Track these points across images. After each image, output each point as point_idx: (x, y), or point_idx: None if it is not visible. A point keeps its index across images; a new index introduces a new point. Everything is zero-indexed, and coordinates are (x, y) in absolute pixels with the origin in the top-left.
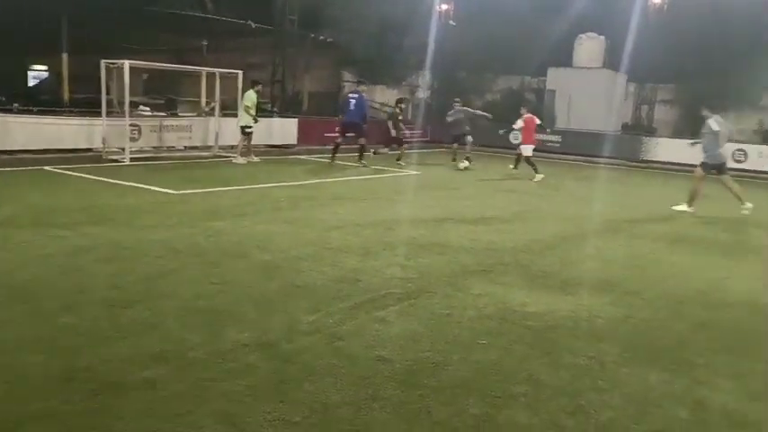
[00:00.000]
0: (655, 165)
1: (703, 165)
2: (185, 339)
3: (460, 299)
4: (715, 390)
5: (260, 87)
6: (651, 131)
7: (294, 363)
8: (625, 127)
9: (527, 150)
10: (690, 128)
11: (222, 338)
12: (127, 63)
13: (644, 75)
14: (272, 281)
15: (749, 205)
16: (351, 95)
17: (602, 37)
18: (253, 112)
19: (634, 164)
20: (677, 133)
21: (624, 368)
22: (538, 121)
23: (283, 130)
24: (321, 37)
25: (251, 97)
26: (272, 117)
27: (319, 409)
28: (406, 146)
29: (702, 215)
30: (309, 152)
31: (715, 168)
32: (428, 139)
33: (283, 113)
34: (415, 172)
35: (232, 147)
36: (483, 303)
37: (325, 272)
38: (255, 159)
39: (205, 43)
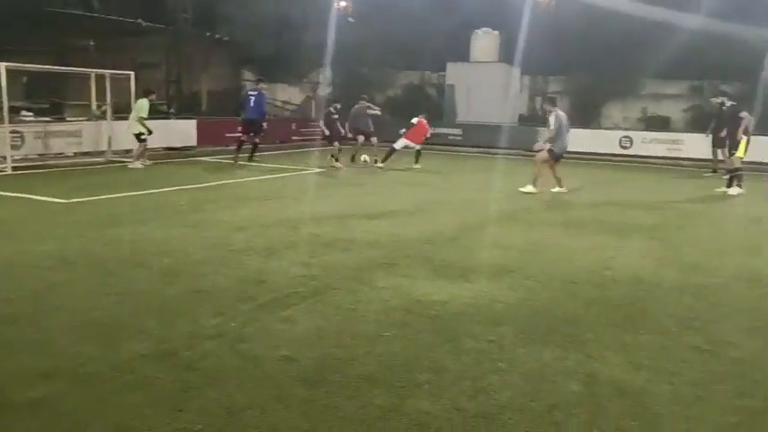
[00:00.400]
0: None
1: (551, 152)
2: (78, 354)
3: (365, 293)
4: (604, 363)
5: (153, 96)
6: (545, 122)
7: (196, 369)
8: (521, 118)
9: (400, 144)
10: (580, 117)
11: (119, 350)
12: (3, 65)
13: (536, 68)
14: (172, 287)
15: (562, 189)
16: (250, 93)
17: (497, 32)
18: (146, 121)
19: (531, 153)
20: (569, 123)
21: (521, 348)
22: (428, 134)
23: (182, 131)
24: (217, 35)
25: (144, 107)
26: (169, 119)
27: (223, 415)
28: (337, 144)
29: (591, 199)
30: (210, 153)
31: (559, 157)
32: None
33: (181, 114)
34: (318, 169)
35: (127, 151)
36: (388, 296)
37: (228, 274)
38: (148, 163)
39: (92, 43)
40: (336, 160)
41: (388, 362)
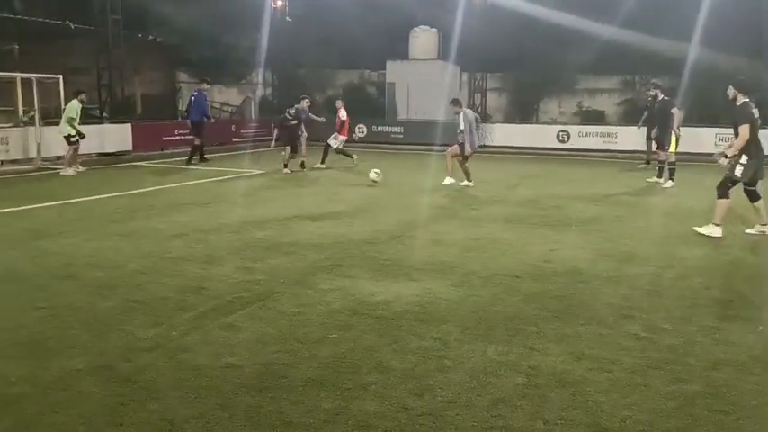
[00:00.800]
0: (491, 149)
1: (462, 147)
2: (6, 374)
3: (310, 296)
4: (546, 354)
5: (83, 96)
6: (485, 118)
7: (134, 382)
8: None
9: (335, 141)
10: (519, 113)
11: (50, 368)
12: None
13: (475, 65)
14: (106, 300)
15: (469, 183)
16: (192, 94)
17: (435, 30)
18: (77, 123)
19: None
20: (509, 118)
21: (466, 345)
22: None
23: (116, 136)
24: (150, 37)
25: (74, 107)
26: (102, 123)
27: (165, 428)
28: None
29: (531, 194)
30: (147, 158)
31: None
32: (272, 136)
33: (115, 119)
34: (259, 171)
35: (58, 158)
36: (332, 298)
37: (167, 283)
38: (81, 169)
39: (17, 47)
40: (285, 165)
41: (334, 364)
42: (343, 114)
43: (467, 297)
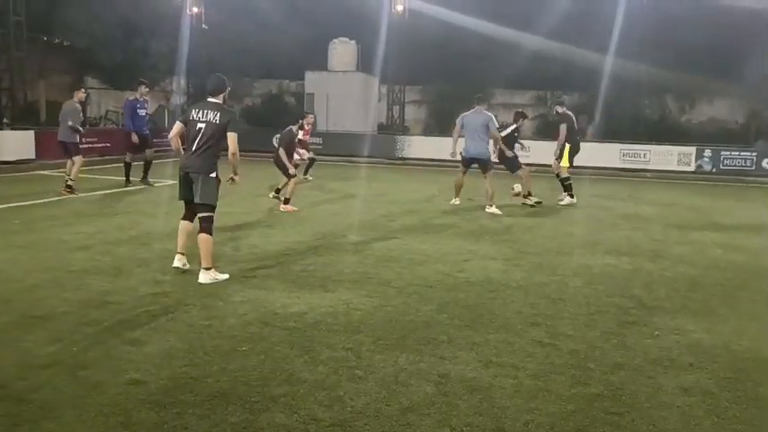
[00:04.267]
0: (410, 161)
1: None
2: None
3: (221, 308)
4: (456, 362)
5: None
6: (404, 130)
7: (29, 401)
8: (380, 127)
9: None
10: (438, 125)
11: None
12: None
13: (394, 77)
14: (1, 315)
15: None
16: (138, 101)
17: (354, 41)
18: None
19: (390, 161)
20: (428, 131)
21: (378, 355)
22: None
23: (17, 143)
24: (56, 40)
25: None
26: (2, 129)
27: None
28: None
29: (447, 205)
30: (52, 167)
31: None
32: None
33: (16, 125)
34: (171, 181)
35: None
36: (244, 310)
37: (68, 298)
38: None
39: None
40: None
41: (244, 377)
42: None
43: (380, 307)
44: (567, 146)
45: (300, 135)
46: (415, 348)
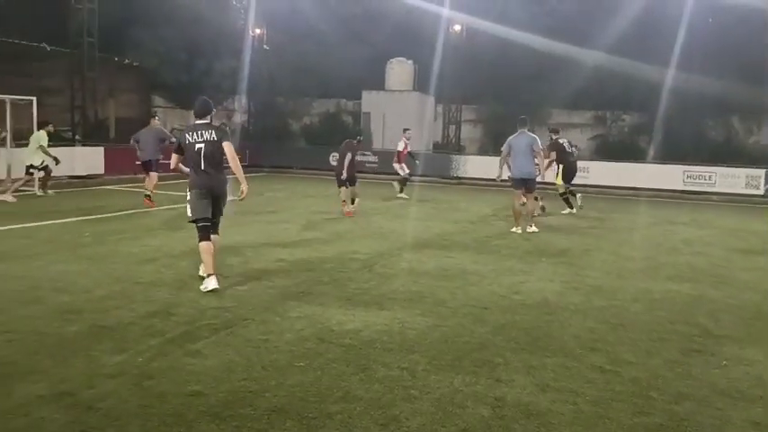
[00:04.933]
0: (465, 180)
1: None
2: None
3: (278, 323)
4: (512, 386)
5: (51, 128)
6: (460, 149)
7: (96, 410)
8: (436, 146)
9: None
10: (493, 145)
11: (12, 393)
12: None
13: (450, 96)
14: (71, 325)
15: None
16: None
17: (411, 61)
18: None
19: (446, 180)
20: (483, 150)
21: (433, 375)
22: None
23: (88, 159)
24: (126, 60)
25: (43, 136)
26: (74, 146)
27: None
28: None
29: (503, 225)
30: (119, 182)
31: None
32: (246, 163)
33: (87, 142)
34: (231, 197)
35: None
36: (301, 326)
37: (135, 309)
38: (50, 193)
39: None
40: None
41: (301, 393)
42: (401, 145)
43: (435, 327)
44: (561, 166)
45: (400, 147)
46: (470, 370)
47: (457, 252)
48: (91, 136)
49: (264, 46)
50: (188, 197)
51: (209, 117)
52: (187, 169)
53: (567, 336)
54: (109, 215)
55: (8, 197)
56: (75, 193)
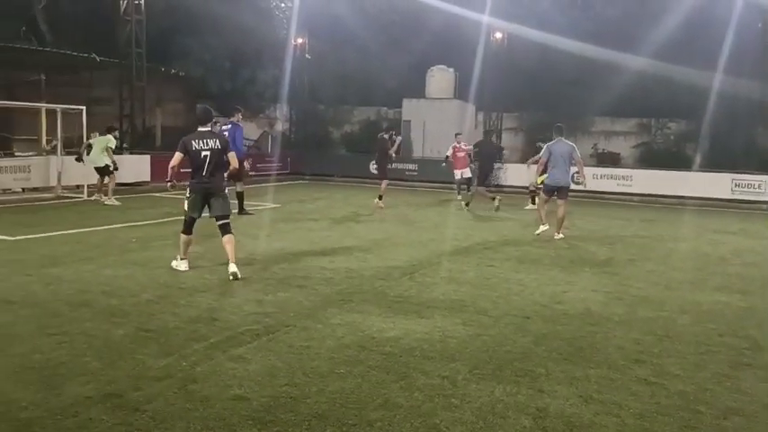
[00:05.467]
0: (505, 189)
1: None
2: (18, 399)
3: (319, 330)
4: (554, 397)
5: (117, 133)
6: (501, 158)
7: (143, 412)
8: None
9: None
10: (534, 153)
11: (62, 394)
12: None
13: (490, 104)
14: (118, 327)
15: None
16: (222, 128)
17: (452, 69)
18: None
19: (486, 189)
20: (524, 159)
21: (474, 384)
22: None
23: (135, 167)
24: (173, 70)
25: (111, 141)
26: (122, 154)
27: None
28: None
29: (545, 234)
30: (164, 189)
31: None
32: (288, 171)
33: (135, 149)
34: (273, 205)
35: (78, 186)
36: (342, 333)
37: (179, 313)
38: (103, 198)
39: (43, 77)
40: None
41: (341, 399)
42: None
43: (476, 336)
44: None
45: (448, 153)
46: (511, 380)
47: (498, 261)
48: (138, 144)
49: (306, 55)
50: (187, 195)
51: (209, 125)
52: (176, 170)
53: (610, 347)
54: (154, 221)
55: (113, 200)
56: (123, 199)
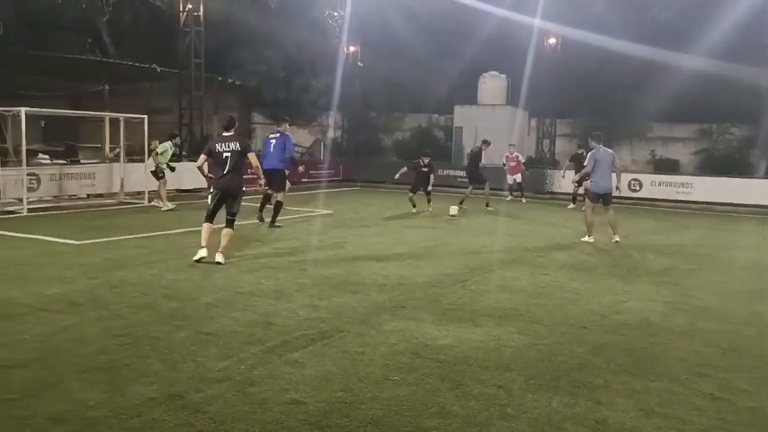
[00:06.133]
0: (559, 196)
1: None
2: (85, 398)
3: (373, 336)
4: (614, 409)
5: (178, 140)
6: (554, 164)
7: (203, 413)
8: (529, 160)
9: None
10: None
11: (126, 394)
12: (23, 110)
13: (544, 110)
14: (179, 330)
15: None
16: (270, 136)
17: (504, 75)
18: (163, 159)
19: (539, 196)
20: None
21: (530, 394)
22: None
23: (193, 174)
24: (229, 80)
25: (164, 146)
26: (180, 161)
27: None
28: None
29: (601, 242)
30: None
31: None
32: (340, 177)
33: (193, 157)
34: (326, 211)
35: (139, 193)
36: (395, 340)
37: (237, 317)
38: (160, 204)
39: (107, 88)
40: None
41: (396, 406)
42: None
43: (531, 345)
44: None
45: (504, 161)
46: (569, 391)
47: (553, 269)
48: (196, 152)
49: (358, 63)
50: (210, 191)
51: (232, 130)
52: (204, 171)
53: (671, 359)
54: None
55: (168, 204)
56: (183, 205)
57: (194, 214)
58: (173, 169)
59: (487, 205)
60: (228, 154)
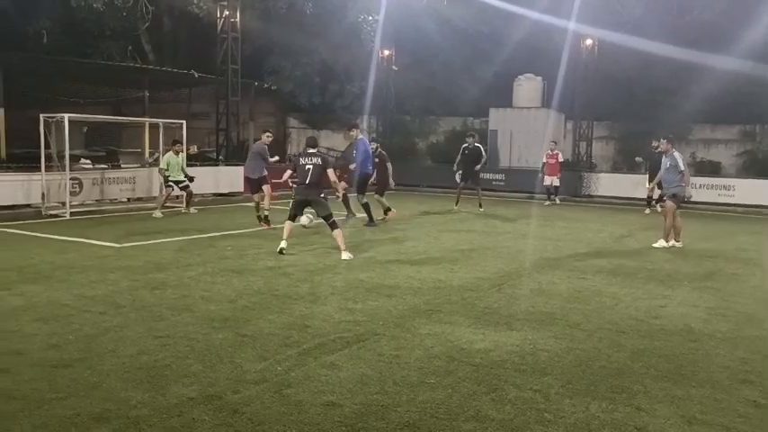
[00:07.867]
0: (596, 199)
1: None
2: (128, 397)
3: (408, 340)
4: (654, 416)
5: (179, 147)
6: (591, 167)
7: (241, 414)
8: (565, 163)
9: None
10: (627, 162)
11: (166, 394)
12: (66, 117)
13: (580, 113)
14: (218, 332)
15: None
16: (361, 140)
17: (540, 78)
18: (169, 172)
19: (576, 199)
20: (616, 168)
21: (567, 399)
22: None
23: (229, 178)
24: (265, 85)
25: (165, 159)
26: (217, 165)
27: None
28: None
29: (641, 246)
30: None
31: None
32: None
33: (229, 161)
34: (359, 215)
35: (177, 197)
36: (431, 343)
37: (273, 320)
38: (194, 211)
39: (147, 94)
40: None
41: (431, 410)
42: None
43: (569, 350)
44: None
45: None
46: (607, 396)
47: (590, 273)
48: (232, 156)
49: (393, 67)
50: (293, 197)
51: (315, 148)
52: (287, 181)
53: (714, 366)
54: (247, 231)
55: (157, 213)
56: (219, 209)
57: (231, 218)
58: (191, 179)
59: (480, 206)
60: (310, 167)
